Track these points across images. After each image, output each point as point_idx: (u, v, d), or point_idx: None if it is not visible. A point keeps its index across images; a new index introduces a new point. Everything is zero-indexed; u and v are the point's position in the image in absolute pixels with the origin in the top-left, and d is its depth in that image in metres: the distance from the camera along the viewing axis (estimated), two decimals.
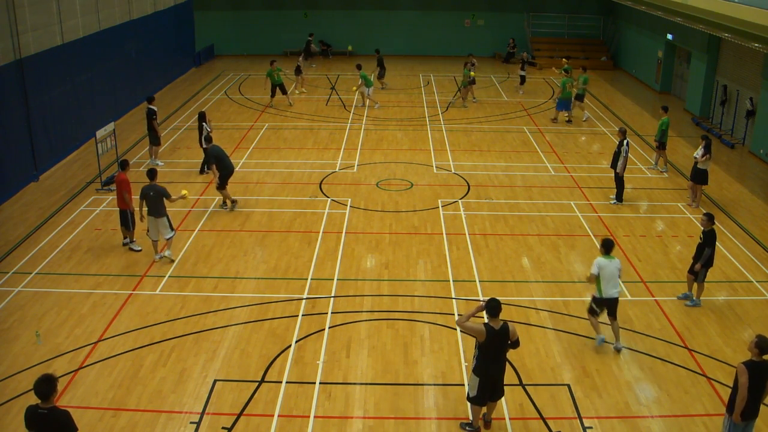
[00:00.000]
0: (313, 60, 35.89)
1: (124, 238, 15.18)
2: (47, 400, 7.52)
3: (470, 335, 9.31)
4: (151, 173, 14.45)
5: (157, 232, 14.35)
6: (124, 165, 15.07)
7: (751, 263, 14.86)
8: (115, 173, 19.09)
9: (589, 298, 13.20)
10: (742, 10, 18.18)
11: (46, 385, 7.50)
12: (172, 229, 14.56)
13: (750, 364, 8.49)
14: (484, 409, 9.75)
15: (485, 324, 9.24)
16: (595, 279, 11.41)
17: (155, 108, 20.20)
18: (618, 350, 11.62)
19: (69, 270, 14.19)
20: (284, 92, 26.58)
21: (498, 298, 9.32)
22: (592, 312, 11.72)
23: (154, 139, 20.23)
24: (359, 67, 26.72)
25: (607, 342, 11.75)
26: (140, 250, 14.93)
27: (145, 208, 14.24)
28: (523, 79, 29.75)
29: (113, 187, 18.34)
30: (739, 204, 18.13)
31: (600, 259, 11.45)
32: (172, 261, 14.46)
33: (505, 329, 9.20)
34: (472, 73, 26.57)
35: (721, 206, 17.85)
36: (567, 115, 25.15)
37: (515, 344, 9.44)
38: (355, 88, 26.79)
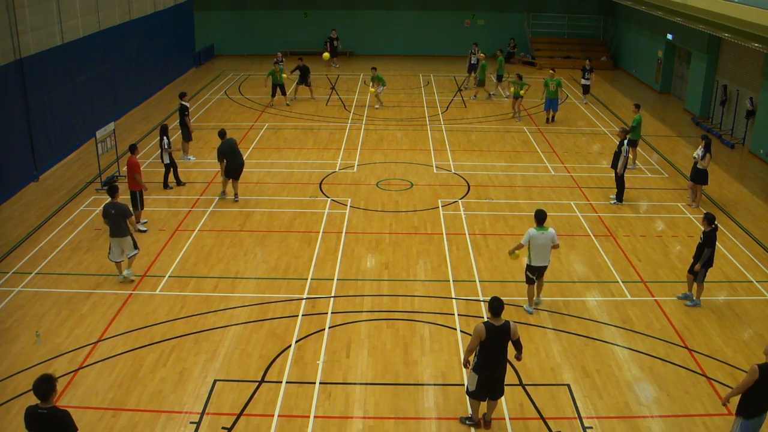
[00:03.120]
0: (335, 60, 35.62)
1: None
2: (47, 400, 7.51)
3: (477, 345, 9.31)
4: (112, 190, 13.51)
5: (120, 252, 13.43)
6: (133, 149, 15.80)
7: (751, 263, 14.86)
8: (115, 173, 19.20)
9: (589, 298, 13.25)
10: (742, 10, 18.17)
11: (45, 385, 7.48)
12: (136, 246, 13.67)
13: (764, 366, 8.42)
14: (484, 408, 9.75)
15: (485, 322, 9.24)
16: (522, 249, 12.29)
17: (187, 104, 20.44)
18: (537, 303, 12.84)
19: (69, 270, 14.19)
20: (284, 93, 26.66)
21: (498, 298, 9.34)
22: (528, 281, 12.62)
23: (186, 135, 20.46)
24: (374, 69, 26.49)
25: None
26: (146, 231, 15.61)
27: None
28: (586, 89, 28.27)
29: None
30: (739, 204, 18.12)
31: (532, 231, 12.17)
32: (133, 281, 13.61)
33: (506, 327, 9.20)
34: (522, 92, 25.42)
35: (721, 206, 17.85)
36: (552, 113, 25.32)
37: (517, 344, 9.45)
38: (373, 89, 26.30)
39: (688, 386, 10.80)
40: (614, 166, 17.62)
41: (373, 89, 26.29)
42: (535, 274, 12.48)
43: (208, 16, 36.77)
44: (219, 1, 36.86)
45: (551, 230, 12.27)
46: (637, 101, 28.67)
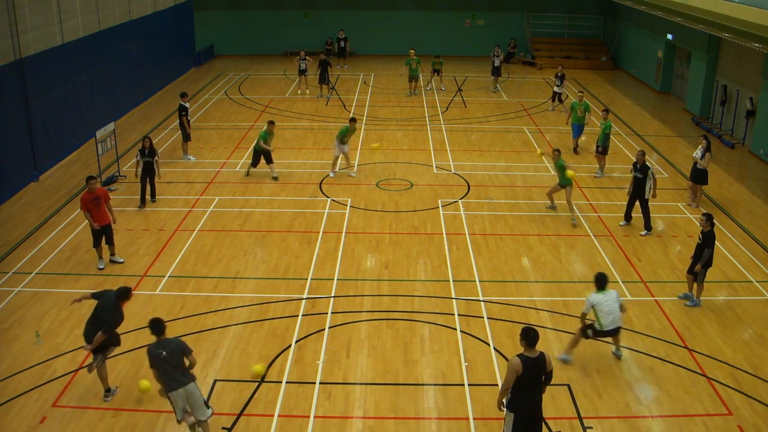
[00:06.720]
0: (345, 61, 35.45)
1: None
2: None
3: (513, 382, 8.61)
4: (158, 328, 9.16)
5: (185, 410, 9.12)
6: (88, 179, 13.82)
7: (751, 263, 14.86)
8: (115, 173, 19.18)
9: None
10: (742, 10, 18.17)
11: None
12: (207, 405, 9.28)
13: None
14: None
15: (520, 355, 8.58)
16: (591, 315, 10.99)
17: (187, 104, 20.37)
18: (618, 357, 11.39)
19: (69, 270, 14.19)
20: (269, 161, 19.15)
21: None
22: (584, 334, 11.10)
23: (185, 135, 20.44)
24: (353, 121, 19.54)
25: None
26: (123, 261, 14.38)
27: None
28: (556, 97, 26.61)
29: (113, 187, 18.38)
30: (739, 204, 18.12)
31: (593, 295, 10.93)
32: None
33: (542, 359, 8.61)
34: (570, 172, 16.54)
35: (721, 206, 17.85)
36: (576, 141, 22.19)
37: (549, 376, 8.81)
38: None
39: (688, 386, 10.80)
40: (637, 194, 15.98)
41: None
42: (603, 336, 11.14)
43: (208, 16, 36.77)
44: (219, 1, 36.87)
45: (613, 292, 11.01)
46: (637, 101, 28.87)
